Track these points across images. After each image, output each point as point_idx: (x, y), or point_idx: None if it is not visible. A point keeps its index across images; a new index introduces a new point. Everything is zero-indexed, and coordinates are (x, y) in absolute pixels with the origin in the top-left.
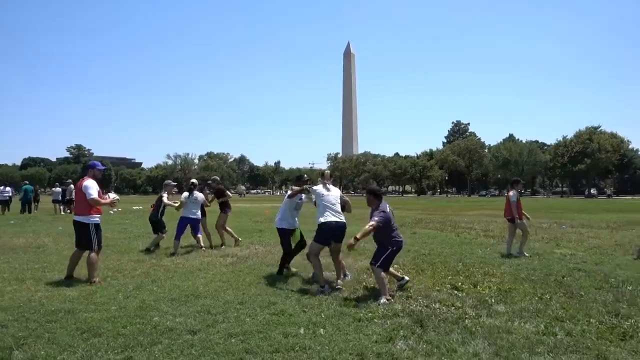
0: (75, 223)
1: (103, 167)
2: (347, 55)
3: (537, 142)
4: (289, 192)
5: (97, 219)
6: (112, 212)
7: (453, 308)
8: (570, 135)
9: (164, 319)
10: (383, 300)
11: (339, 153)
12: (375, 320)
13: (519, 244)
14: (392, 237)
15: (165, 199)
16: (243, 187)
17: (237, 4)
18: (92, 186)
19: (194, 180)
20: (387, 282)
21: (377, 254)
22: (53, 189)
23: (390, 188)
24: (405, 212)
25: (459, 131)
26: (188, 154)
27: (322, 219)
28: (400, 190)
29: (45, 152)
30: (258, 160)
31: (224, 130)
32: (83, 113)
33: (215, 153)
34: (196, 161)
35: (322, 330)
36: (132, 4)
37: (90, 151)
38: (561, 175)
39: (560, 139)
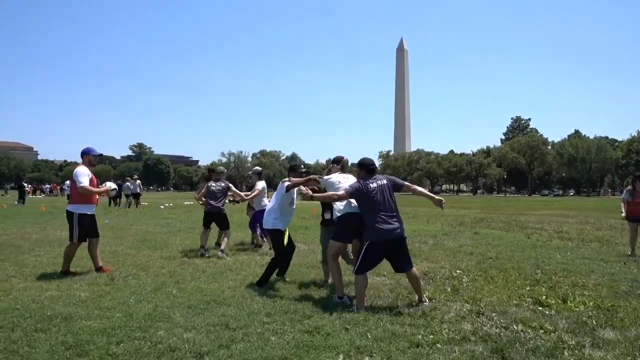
0: (66, 212)
1: (99, 154)
2: (400, 51)
3: (606, 138)
4: (286, 183)
5: (87, 209)
6: (162, 207)
7: (542, 332)
8: None
9: (170, 334)
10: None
11: (390, 150)
12: (439, 346)
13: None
14: (375, 223)
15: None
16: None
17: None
18: (83, 173)
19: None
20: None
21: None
22: (127, 183)
23: (444, 187)
24: (462, 211)
25: (518, 127)
26: (242, 152)
27: (348, 209)
28: (455, 189)
29: (111, 150)
30: (309, 157)
31: (277, 128)
32: (145, 112)
33: (267, 151)
34: (249, 159)
35: (367, 359)
36: (191, 2)
37: (151, 149)
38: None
39: (635, 134)
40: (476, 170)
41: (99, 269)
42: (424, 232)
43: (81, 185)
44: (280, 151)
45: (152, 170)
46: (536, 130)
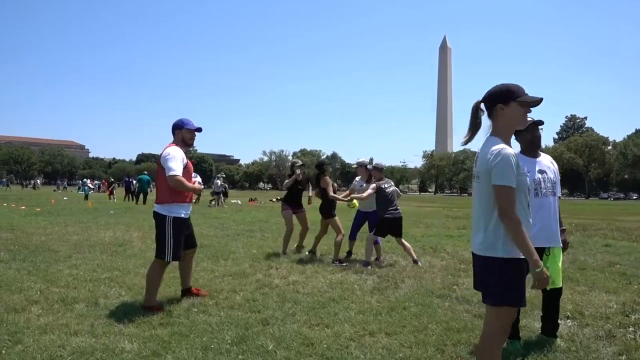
0: (154, 215)
1: (196, 128)
2: (443, 49)
3: None
4: None
5: (183, 210)
6: (209, 205)
7: None
8: None
9: None
10: None
11: (433, 150)
12: None
13: None
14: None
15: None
16: (334, 185)
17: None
18: (175, 156)
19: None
20: None
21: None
22: (216, 181)
23: None
24: None
25: (573, 126)
26: (282, 151)
27: None
28: None
29: (156, 148)
30: (350, 157)
31: (317, 126)
32: (189, 112)
33: (308, 150)
34: (290, 158)
35: None
36: (229, 5)
37: (195, 148)
38: None
39: None
40: None
41: (186, 291)
42: None
43: (171, 174)
44: (320, 150)
45: (195, 169)
46: (592, 130)
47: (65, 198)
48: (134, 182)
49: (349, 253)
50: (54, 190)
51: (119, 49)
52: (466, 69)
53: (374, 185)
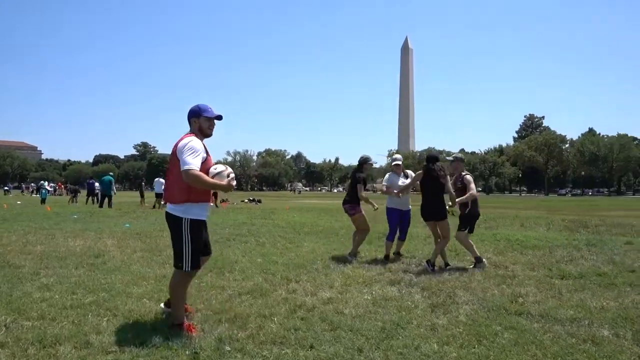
0: (167, 217)
1: (216, 115)
2: (405, 49)
3: (625, 135)
4: None
5: (201, 212)
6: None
7: None
8: None
9: None
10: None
11: (398, 149)
12: None
13: None
14: None
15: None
16: (300, 185)
17: None
18: (193, 148)
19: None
20: None
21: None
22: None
23: None
24: (524, 212)
25: (532, 125)
26: (247, 151)
27: None
28: None
29: (115, 149)
30: (315, 157)
31: (281, 126)
32: (149, 112)
33: (272, 150)
34: (255, 158)
35: None
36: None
37: (155, 148)
38: None
39: None
40: (490, 170)
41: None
42: (551, 242)
43: (186, 168)
44: (285, 150)
45: (157, 170)
46: (549, 128)
47: (19, 202)
48: (97, 184)
49: (398, 254)
50: (3, 194)
51: (73, 44)
52: (429, 68)
53: (470, 177)
